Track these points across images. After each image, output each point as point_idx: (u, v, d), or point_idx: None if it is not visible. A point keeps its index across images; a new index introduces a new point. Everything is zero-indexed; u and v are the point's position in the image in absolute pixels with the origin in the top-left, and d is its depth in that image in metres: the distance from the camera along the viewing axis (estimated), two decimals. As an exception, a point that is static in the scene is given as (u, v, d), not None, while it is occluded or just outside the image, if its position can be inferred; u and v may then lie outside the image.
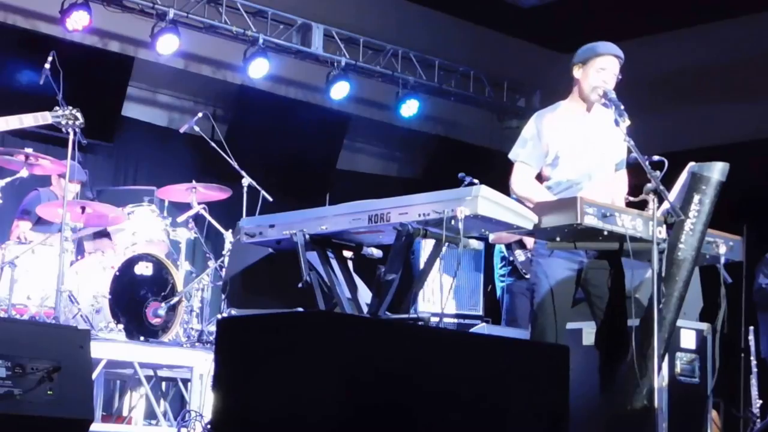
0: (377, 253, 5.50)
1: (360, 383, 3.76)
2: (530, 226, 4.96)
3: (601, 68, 5.32)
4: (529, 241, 7.53)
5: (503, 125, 12.45)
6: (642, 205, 4.98)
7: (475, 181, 7.51)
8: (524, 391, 4.23)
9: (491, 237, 5.87)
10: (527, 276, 7.53)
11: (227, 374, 4.10)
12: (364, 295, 5.63)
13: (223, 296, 7.60)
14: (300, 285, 5.11)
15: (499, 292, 7.97)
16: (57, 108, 6.78)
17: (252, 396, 3.94)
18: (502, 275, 7.84)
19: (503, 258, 7.80)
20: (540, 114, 5.46)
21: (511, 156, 5.43)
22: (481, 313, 8.65)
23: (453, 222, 4.74)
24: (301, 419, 3.69)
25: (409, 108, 11.30)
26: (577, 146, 5.35)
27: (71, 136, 6.74)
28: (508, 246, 7.67)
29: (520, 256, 7.62)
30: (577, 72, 5.38)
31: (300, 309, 6.28)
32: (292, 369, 3.76)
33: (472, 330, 7.53)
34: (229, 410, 4.04)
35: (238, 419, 3.97)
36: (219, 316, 7.52)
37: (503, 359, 4.27)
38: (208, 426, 6.06)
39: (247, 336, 4.06)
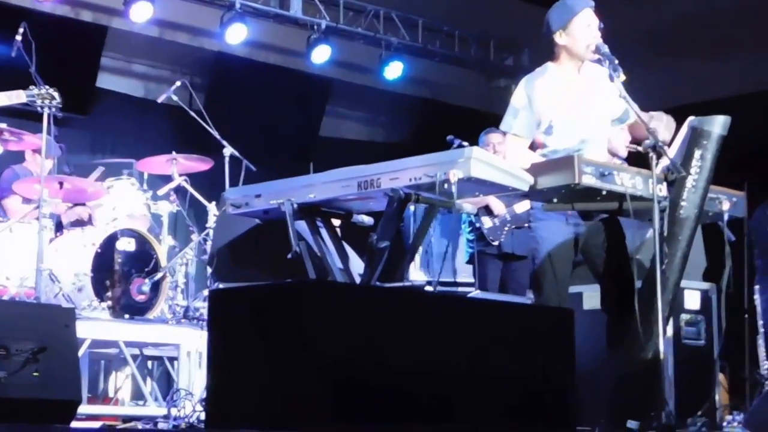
0: (368, 220, 5.37)
1: (362, 351, 3.68)
2: (526, 188, 4.84)
3: (586, 24, 5.13)
4: (497, 207, 7.40)
5: (491, 85, 12.27)
6: (646, 158, 4.80)
7: (465, 143, 7.37)
8: (529, 355, 4.17)
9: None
10: (494, 243, 7.41)
11: (222, 347, 4.00)
12: (356, 264, 5.46)
13: (210, 270, 7.43)
14: (289, 256, 4.98)
15: (466, 258, 7.86)
16: (32, 87, 6.59)
17: (248, 368, 3.84)
18: (470, 241, 7.71)
19: (470, 223, 7.69)
20: (529, 79, 5.25)
21: (502, 127, 5.26)
22: (472, 279, 8.50)
23: (446, 185, 4.61)
24: (300, 389, 3.60)
25: (394, 70, 11.12)
26: (571, 112, 5.17)
27: (46, 111, 6.55)
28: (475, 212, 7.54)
29: (486, 222, 7.50)
30: (561, 38, 5.17)
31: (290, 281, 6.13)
32: (290, 339, 3.67)
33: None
34: (224, 383, 3.94)
35: (235, 392, 3.88)
36: (206, 292, 7.36)
37: (507, 324, 4.19)
38: (203, 401, 5.89)
39: (241, 307, 3.95)
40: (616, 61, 4.99)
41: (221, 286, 7.09)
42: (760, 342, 7.13)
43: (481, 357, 3.98)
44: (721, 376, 6.24)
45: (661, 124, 5.02)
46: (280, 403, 3.63)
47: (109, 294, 7.06)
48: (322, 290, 3.81)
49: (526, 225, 7.32)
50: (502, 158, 5.06)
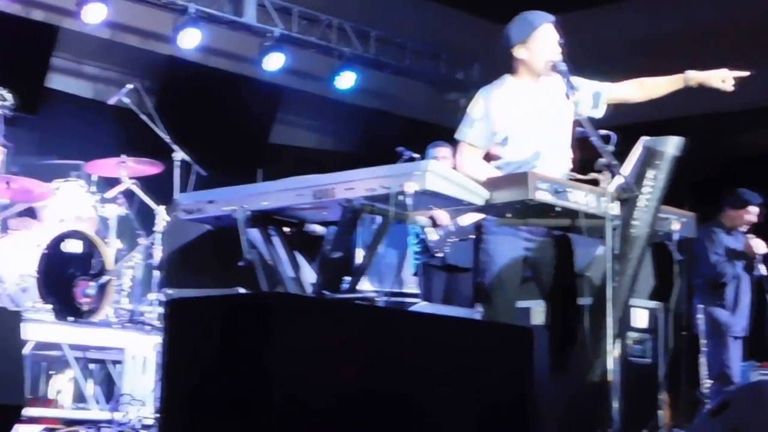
0: (320, 229, 5.35)
1: (322, 365, 3.62)
2: (481, 202, 4.83)
3: (545, 40, 5.14)
4: (442, 219, 7.40)
5: (442, 98, 12.30)
6: (593, 183, 4.84)
7: (415, 155, 7.39)
8: (487, 375, 4.11)
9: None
10: (438, 254, 7.41)
11: (178, 357, 3.89)
12: (307, 274, 5.44)
13: (160, 275, 7.36)
14: (241, 263, 4.93)
15: (413, 270, 7.85)
16: None
17: (205, 379, 3.74)
18: (416, 252, 7.71)
19: (417, 235, 7.69)
20: (487, 90, 5.26)
21: (457, 136, 5.25)
22: (418, 291, 8.49)
23: (401, 198, 4.59)
24: (259, 401, 3.53)
25: (345, 80, 11.10)
26: (526, 125, 5.17)
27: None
28: None
29: (431, 234, 7.49)
30: (520, 53, 5.17)
31: (240, 289, 6.10)
32: (249, 351, 3.59)
33: (411, 308, 7.36)
34: (178, 395, 3.84)
35: (188, 404, 3.78)
36: (151, 296, 7.29)
37: (466, 340, 4.13)
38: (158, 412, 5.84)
39: (199, 317, 3.85)
40: (572, 81, 5.01)
41: (170, 291, 7.06)
42: (702, 360, 7.19)
43: (437, 375, 3.92)
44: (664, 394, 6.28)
45: None
46: (233, 415, 3.58)
47: (53, 296, 6.97)
48: (284, 303, 3.74)
49: (471, 237, 7.37)
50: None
